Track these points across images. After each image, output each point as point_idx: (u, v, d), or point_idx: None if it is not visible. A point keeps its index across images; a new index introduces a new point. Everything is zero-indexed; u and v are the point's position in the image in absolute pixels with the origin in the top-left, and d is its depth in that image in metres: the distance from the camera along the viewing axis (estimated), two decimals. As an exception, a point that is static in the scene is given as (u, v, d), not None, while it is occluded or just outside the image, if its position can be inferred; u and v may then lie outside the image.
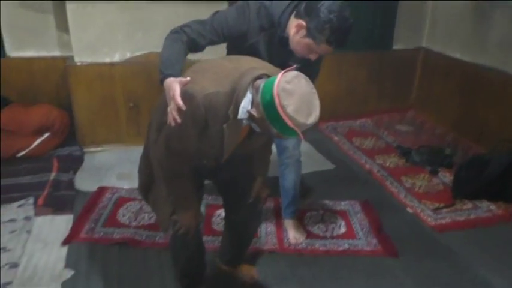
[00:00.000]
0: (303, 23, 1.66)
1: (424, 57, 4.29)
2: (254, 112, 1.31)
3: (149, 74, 3.25)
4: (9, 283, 1.95)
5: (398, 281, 2.14)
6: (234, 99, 1.34)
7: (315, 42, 1.66)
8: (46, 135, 3.16)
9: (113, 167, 3.07)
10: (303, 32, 1.67)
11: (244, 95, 1.33)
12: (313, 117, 1.29)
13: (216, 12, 1.75)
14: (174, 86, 1.39)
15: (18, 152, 3.04)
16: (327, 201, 2.79)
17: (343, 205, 2.77)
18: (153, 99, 3.31)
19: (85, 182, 2.85)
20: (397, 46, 4.25)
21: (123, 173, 2.99)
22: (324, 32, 1.63)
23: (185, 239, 1.66)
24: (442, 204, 2.80)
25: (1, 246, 2.18)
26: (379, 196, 2.90)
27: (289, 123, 1.26)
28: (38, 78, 3.40)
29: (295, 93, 1.26)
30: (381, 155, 3.52)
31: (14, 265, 2.05)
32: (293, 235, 2.38)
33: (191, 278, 1.88)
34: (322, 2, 1.64)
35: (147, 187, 1.73)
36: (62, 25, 3.24)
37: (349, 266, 2.23)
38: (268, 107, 1.27)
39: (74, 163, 3.05)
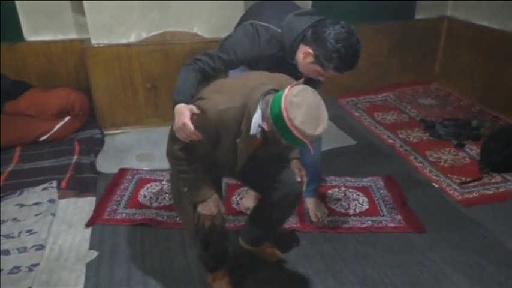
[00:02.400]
0: (311, 50, 1.68)
1: (449, 26, 4.11)
2: (265, 126, 1.40)
3: (166, 53, 3.22)
4: (36, 264, 1.99)
5: (425, 256, 2.10)
6: (246, 115, 1.44)
7: (323, 69, 1.69)
8: (67, 118, 3.18)
9: (132, 149, 3.08)
10: (311, 58, 1.69)
11: (255, 110, 1.43)
12: (320, 128, 1.37)
13: (224, 41, 1.79)
14: (184, 111, 1.50)
15: (40, 136, 3.07)
16: (348, 178, 2.74)
17: (365, 181, 2.72)
18: (170, 79, 3.29)
19: (106, 164, 2.87)
20: (419, 16, 4.08)
21: (142, 154, 3.00)
22: (332, 61, 1.64)
23: (210, 229, 1.67)
24: (469, 178, 2.72)
25: (27, 228, 2.22)
26: (403, 171, 2.83)
27: (297, 134, 1.33)
28: (56, 62, 3.41)
29: (302, 105, 1.33)
30: (403, 129, 3.43)
31: (41, 247, 2.09)
32: (314, 213, 2.35)
33: (216, 261, 1.88)
34: (329, 29, 1.63)
35: (176, 201, 1.80)
36: (78, 7, 3.22)
37: (373, 242, 2.19)
38: (277, 120, 1.35)
39: (95, 146, 3.07)
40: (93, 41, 3.12)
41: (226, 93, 1.48)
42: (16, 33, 3.26)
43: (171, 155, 1.63)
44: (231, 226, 2.24)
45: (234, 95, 1.47)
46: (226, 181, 2.56)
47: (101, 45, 3.12)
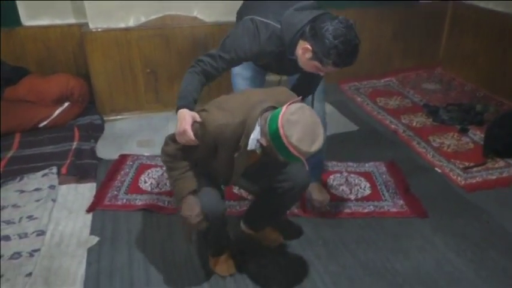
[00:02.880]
0: (309, 46, 1.66)
1: (453, 10, 4.04)
2: (263, 141, 1.46)
3: (166, 38, 3.17)
4: (37, 250, 1.98)
5: (427, 241, 2.08)
6: (245, 131, 1.51)
7: (322, 65, 1.67)
8: (66, 104, 3.16)
9: (133, 135, 3.06)
10: (310, 54, 1.68)
11: (254, 127, 1.50)
12: (316, 145, 1.42)
13: (225, 40, 1.80)
14: (186, 116, 1.57)
15: (40, 122, 3.05)
16: (350, 163, 2.72)
17: (367, 166, 2.70)
18: (170, 64, 3.25)
19: (106, 150, 2.85)
20: (423, -1, 4.02)
21: (143, 140, 2.98)
22: (330, 57, 1.62)
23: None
24: (472, 164, 2.69)
25: (27, 214, 2.21)
26: (406, 157, 2.81)
27: (294, 151, 1.39)
28: (55, 47, 3.36)
29: (298, 123, 1.39)
30: (406, 114, 3.39)
31: (41, 232, 2.08)
32: (317, 198, 2.33)
33: (216, 246, 1.88)
34: (327, 24, 1.60)
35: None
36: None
37: (375, 227, 2.18)
38: (274, 137, 1.40)
39: (95, 132, 3.05)
40: (91, 26, 3.07)
41: (227, 109, 1.55)
42: (13, 18, 3.21)
43: (165, 153, 1.68)
44: (233, 212, 2.23)
45: (235, 111, 1.53)
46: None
47: (99, 30, 3.08)
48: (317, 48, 1.64)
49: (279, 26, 1.74)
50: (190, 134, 1.54)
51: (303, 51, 1.69)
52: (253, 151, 1.54)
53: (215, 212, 1.65)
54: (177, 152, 1.64)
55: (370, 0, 3.78)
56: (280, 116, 1.40)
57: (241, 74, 2.12)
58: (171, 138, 1.65)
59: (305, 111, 1.43)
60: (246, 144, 1.52)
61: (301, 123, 1.39)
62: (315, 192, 2.34)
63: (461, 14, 3.97)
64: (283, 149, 1.40)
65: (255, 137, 1.50)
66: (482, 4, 3.73)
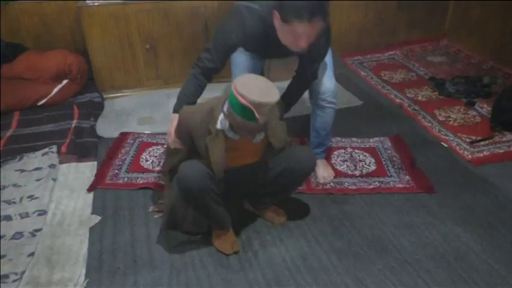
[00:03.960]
0: (277, 13, 1.67)
1: (460, -22, 3.91)
2: (226, 110, 1.59)
3: (164, 12, 3.08)
4: (39, 229, 1.96)
5: (434, 216, 2.05)
6: (214, 116, 1.63)
7: (291, 25, 1.64)
8: (65, 82, 3.09)
9: (133, 112, 3.01)
10: (279, 20, 1.67)
11: (220, 112, 1.62)
12: (264, 96, 1.48)
13: (216, 31, 1.88)
14: (173, 120, 1.80)
15: (38, 100, 2.99)
16: (354, 139, 2.67)
17: (372, 142, 2.65)
18: (170, 39, 3.17)
19: (106, 128, 2.81)
20: (429, -31, 3.88)
21: (143, 118, 2.93)
22: (294, 11, 1.60)
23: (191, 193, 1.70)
24: (479, 137, 2.64)
25: (28, 194, 2.19)
26: (411, 131, 2.75)
27: (242, 100, 1.47)
28: (51, 23, 3.28)
29: (250, 83, 1.52)
30: (411, 88, 3.33)
31: (43, 212, 2.06)
32: (322, 174, 2.30)
33: (213, 220, 1.85)
34: None
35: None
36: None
37: (380, 203, 2.14)
38: (230, 98, 1.53)
39: (95, 109, 3.00)
40: (87, 0, 2.98)
41: (200, 106, 1.73)
42: (7, -7, 3.12)
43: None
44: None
45: (203, 104, 1.72)
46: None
47: (96, 4, 2.98)
48: (282, 10, 1.64)
49: (259, 7, 1.77)
50: (172, 134, 1.78)
51: (276, 21, 1.69)
52: (228, 139, 1.65)
53: (197, 181, 1.64)
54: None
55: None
56: (234, 81, 1.54)
57: (237, 62, 2.15)
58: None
59: (258, 77, 1.57)
60: (214, 127, 1.63)
61: (252, 83, 1.52)
62: (320, 169, 2.30)
63: (468, -17, 3.84)
64: (236, 105, 1.50)
65: (221, 120, 1.62)
66: (490, -27, 3.61)
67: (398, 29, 4.01)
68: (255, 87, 1.50)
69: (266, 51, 2.00)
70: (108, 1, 2.98)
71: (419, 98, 3.17)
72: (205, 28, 3.17)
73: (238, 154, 1.74)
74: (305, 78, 2.05)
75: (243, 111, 1.50)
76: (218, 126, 1.62)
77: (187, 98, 1.86)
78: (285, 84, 2.10)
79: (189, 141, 1.71)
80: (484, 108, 2.98)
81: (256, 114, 1.48)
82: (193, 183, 1.64)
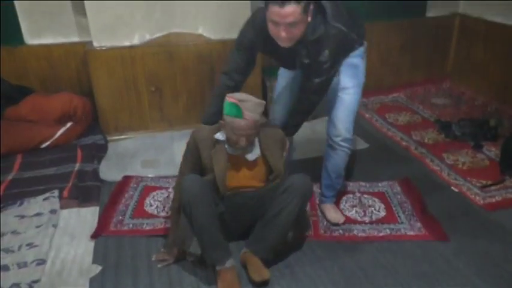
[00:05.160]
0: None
1: (461, 23, 3.99)
2: (222, 120, 1.83)
3: (170, 55, 3.10)
4: (37, 281, 1.87)
5: (450, 265, 1.97)
6: (218, 130, 1.90)
7: (269, 12, 1.71)
8: (69, 124, 3.08)
9: (137, 154, 2.97)
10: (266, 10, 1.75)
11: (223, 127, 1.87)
12: (246, 96, 1.77)
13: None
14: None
15: (42, 142, 2.97)
16: (362, 183, 2.61)
17: (381, 186, 2.59)
18: (175, 81, 3.18)
19: (110, 171, 2.76)
20: (430, 13, 3.96)
21: (147, 160, 2.89)
22: None
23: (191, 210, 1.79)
24: (490, 182, 2.59)
25: (27, 241, 2.11)
26: (420, 174, 2.71)
27: (230, 99, 1.76)
28: (58, 66, 3.30)
29: (241, 95, 1.79)
30: (417, 130, 3.31)
31: (42, 261, 1.97)
32: (331, 219, 2.23)
33: (213, 254, 1.82)
34: None
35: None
36: (79, 8, 3.12)
37: (393, 251, 2.06)
38: (224, 107, 1.79)
39: (98, 152, 2.96)
40: (95, 44, 3.01)
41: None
42: (16, 36, 3.16)
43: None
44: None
45: (215, 125, 1.96)
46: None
47: (103, 48, 3.01)
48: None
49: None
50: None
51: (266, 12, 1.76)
52: (223, 146, 1.87)
53: (197, 190, 1.77)
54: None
55: (378, 14, 3.73)
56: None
57: (280, 76, 2.33)
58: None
59: (248, 95, 1.80)
60: (215, 138, 1.87)
61: (243, 96, 1.78)
62: (330, 213, 2.24)
63: (469, 27, 3.91)
64: (225, 106, 1.77)
65: (221, 132, 1.88)
66: (489, 17, 3.67)
67: (401, 71, 4.05)
68: (241, 94, 1.80)
69: (277, 54, 1.98)
70: (116, 45, 3.02)
71: (426, 141, 3.14)
72: (211, 71, 3.19)
73: (238, 174, 1.90)
74: (306, 95, 2.02)
75: (230, 108, 1.75)
76: (217, 136, 1.87)
77: (211, 109, 2.06)
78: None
79: (197, 159, 1.91)
80: (492, 151, 2.94)
81: (241, 108, 1.72)
82: (193, 191, 1.76)
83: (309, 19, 1.76)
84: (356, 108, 2.14)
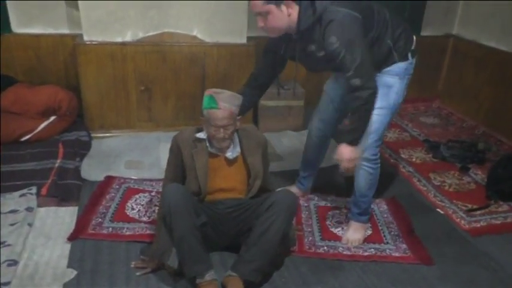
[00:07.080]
0: None
1: (454, 44, 4.03)
2: (202, 116, 1.87)
3: (163, 55, 3.04)
4: (7, 283, 1.77)
5: (434, 291, 1.94)
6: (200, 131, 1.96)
7: None
8: (52, 118, 2.98)
9: (121, 154, 2.88)
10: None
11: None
12: (224, 92, 1.82)
13: None
14: None
15: (22, 135, 2.86)
16: (349, 199, 2.57)
17: (367, 203, 2.56)
18: (165, 82, 3.11)
19: (92, 170, 2.66)
20: (425, 32, 3.98)
21: (132, 161, 2.81)
22: None
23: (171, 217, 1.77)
24: (475, 206, 2.59)
25: (1, 240, 2.01)
26: (406, 193, 2.70)
27: (206, 93, 1.82)
28: (46, 57, 3.21)
29: (218, 89, 1.84)
30: (406, 148, 3.30)
31: (14, 262, 1.88)
32: (346, 236, 2.21)
33: (196, 267, 1.77)
34: None
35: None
36: (72, 1, 3.03)
37: (378, 272, 2.03)
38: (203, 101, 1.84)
39: (81, 149, 2.87)
40: (85, 38, 2.92)
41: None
42: (3, 24, 3.05)
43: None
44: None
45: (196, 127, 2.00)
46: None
47: (94, 43, 2.93)
48: None
49: None
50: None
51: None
52: (213, 155, 1.91)
53: (175, 203, 1.75)
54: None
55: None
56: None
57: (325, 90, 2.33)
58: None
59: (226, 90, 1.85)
60: (196, 136, 1.92)
61: (221, 91, 1.83)
62: (348, 231, 2.24)
63: (462, 49, 3.95)
64: (204, 101, 1.82)
65: (203, 132, 1.92)
66: (484, 41, 3.71)
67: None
68: (218, 89, 1.85)
69: (295, 54, 1.92)
70: (107, 41, 2.94)
71: (414, 160, 3.14)
72: (202, 74, 3.13)
73: (219, 174, 1.91)
74: (351, 95, 1.81)
75: (207, 101, 1.80)
76: (198, 135, 1.92)
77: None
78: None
79: (180, 161, 1.93)
80: (478, 175, 2.95)
81: (216, 99, 1.78)
82: (173, 201, 1.74)
83: (290, 11, 1.77)
84: (381, 130, 2.04)
